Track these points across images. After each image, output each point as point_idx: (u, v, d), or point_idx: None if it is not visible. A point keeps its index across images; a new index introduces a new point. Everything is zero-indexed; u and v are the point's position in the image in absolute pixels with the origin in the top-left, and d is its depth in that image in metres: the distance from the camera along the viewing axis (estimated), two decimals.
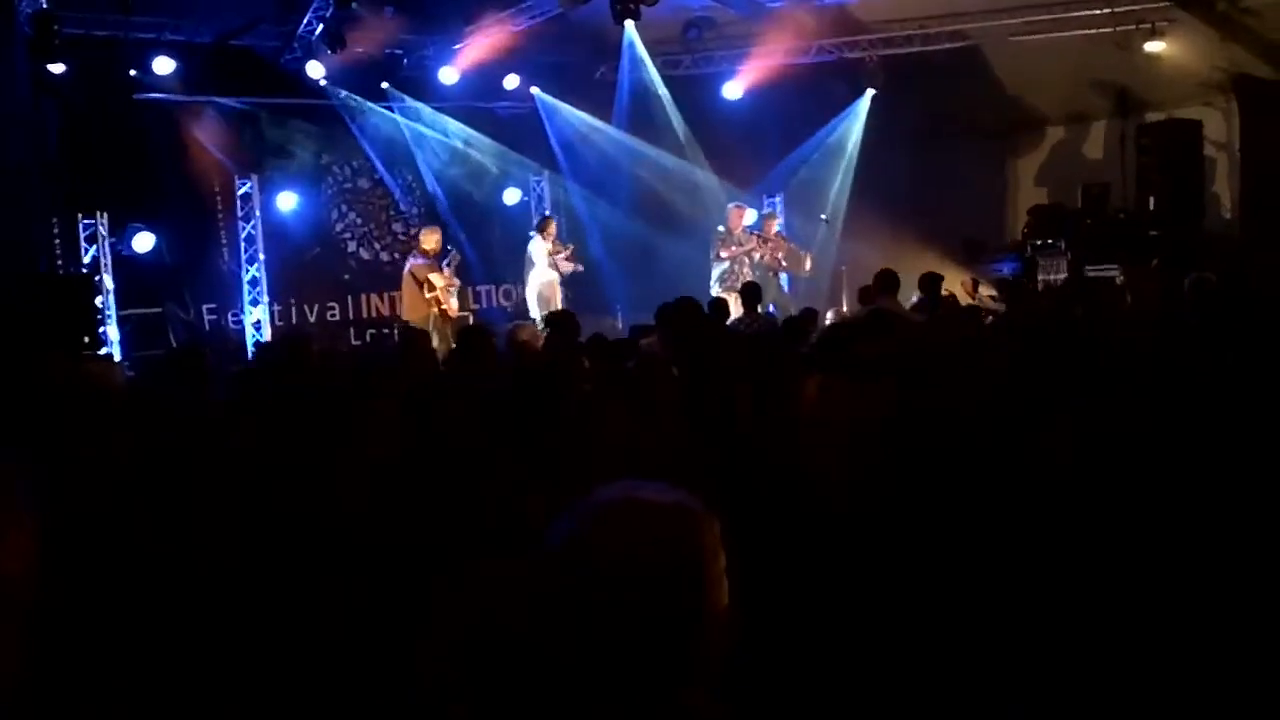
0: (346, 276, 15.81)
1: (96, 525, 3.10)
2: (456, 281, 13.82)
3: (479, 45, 15.05)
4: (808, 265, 15.06)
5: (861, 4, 15.17)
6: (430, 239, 13.71)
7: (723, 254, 14.31)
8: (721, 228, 14.57)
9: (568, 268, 14.66)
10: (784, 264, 14.84)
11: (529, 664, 2.09)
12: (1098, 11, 13.77)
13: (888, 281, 10.61)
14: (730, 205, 14.90)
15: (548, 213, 16.14)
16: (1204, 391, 4.21)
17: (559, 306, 14.35)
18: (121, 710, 2.53)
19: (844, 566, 3.31)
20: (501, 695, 2.64)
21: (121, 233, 13.17)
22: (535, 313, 14.16)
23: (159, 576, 2.88)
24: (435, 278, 13.35)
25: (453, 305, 13.47)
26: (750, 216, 15.32)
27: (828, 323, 10.61)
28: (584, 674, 1.66)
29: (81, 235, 13.00)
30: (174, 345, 13.05)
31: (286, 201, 14.91)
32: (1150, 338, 6.21)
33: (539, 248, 14.56)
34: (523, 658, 2.29)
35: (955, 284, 13.17)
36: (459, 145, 16.33)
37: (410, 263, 13.61)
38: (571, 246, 14.97)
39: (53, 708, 2.43)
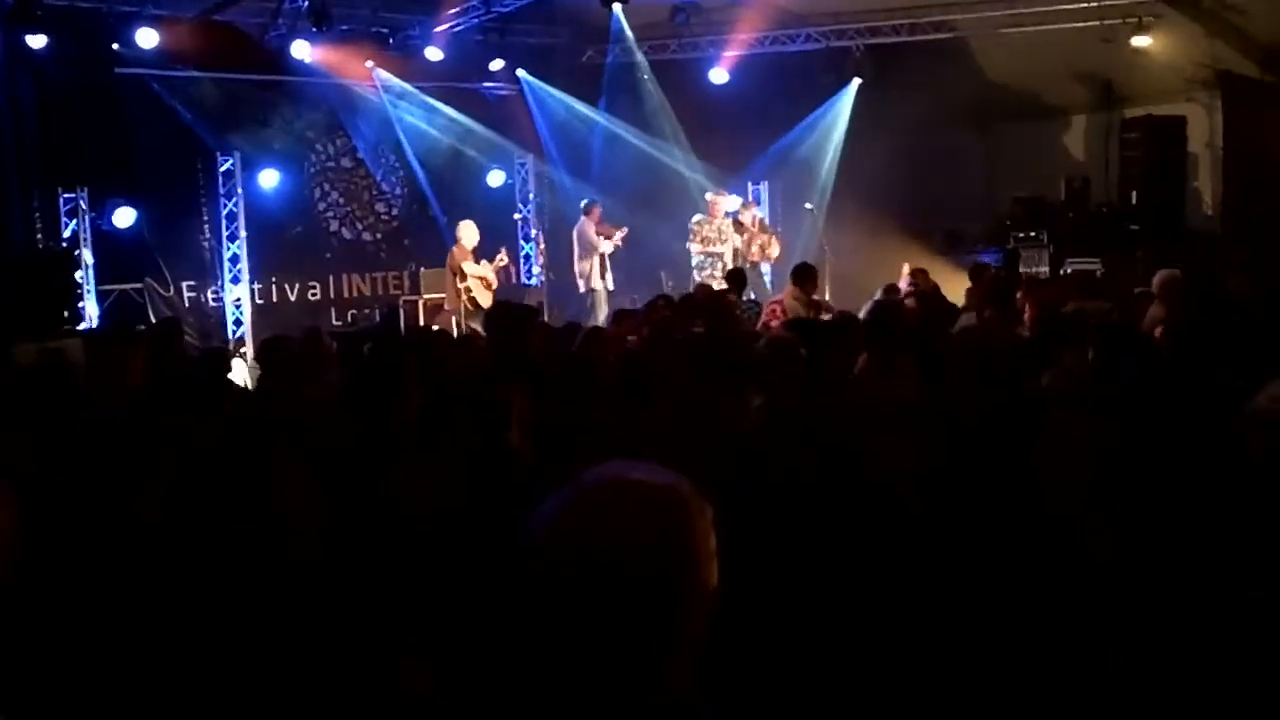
0: (328, 256, 15.72)
1: (80, 504, 3.08)
2: (493, 279, 13.82)
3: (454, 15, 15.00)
4: (774, 253, 15.03)
5: None
6: (463, 230, 13.86)
7: (693, 246, 14.29)
8: (699, 216, 14.56)
9: (607, 247, 14.79)
10: (764, 255, 14.84)
11: (512, 643, 2.08)
12: (1085, 5, 13.80)
13: (800, 273, 10.73)
14: (708, 194, 14.88)
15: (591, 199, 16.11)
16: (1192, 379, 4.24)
17: (597, 287, 14.73)
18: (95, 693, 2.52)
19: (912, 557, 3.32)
20: (487, 675, 2.64)
21: (102, 208, 13.07)
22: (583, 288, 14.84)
23: (141, 558, 2.86)
24: (468, 266, 13.53)
25: (484, 298, 13.50)
26: (733, 203, 15.32)
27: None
28: (568, 653, 1.65)
29: (62, 210, 12.89)
30: (153, 321, 13.00)
31: (268, 179, 14.80)
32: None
33: (584, 230, 14.88)
34: (507, 636, 2.28)
35: (937, 276, 13.19)
36: (443, 126, 16.24)
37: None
38: (625, 229, 15.02)
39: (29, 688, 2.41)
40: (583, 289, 14.86)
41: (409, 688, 2.68)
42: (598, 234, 14.73)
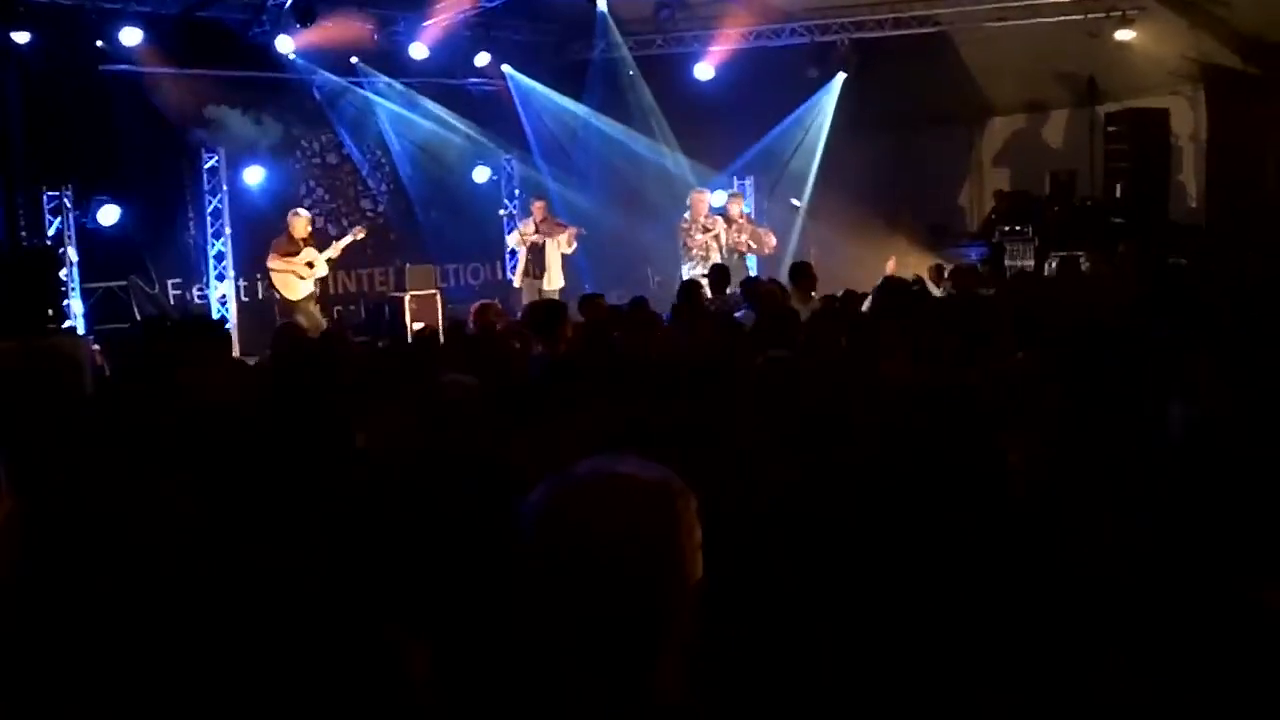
0: None
1: (70, 506, 3.07)
2: (318, 266, 13.32)
3: (445, 13, 14.97)
4: (771, 242, 14.94)
5: None
6: (290, 220, 13.43)
7: (689, 244, 14.22)
8: (686, 214, 14.48)
9: (567, 247, 14.47)
10: (750, 246, 14.79)
11: (507, 636, 2.09)
12: None
13: (794, 272, 10.74)
14: (692, 191, 14.80)
15: (531, 194, 15.98)
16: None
17: (518, 285, 14.58)
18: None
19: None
20: (482, 667, 2.65)
21: (86, 205, 13.01)
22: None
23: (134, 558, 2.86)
24: (270, 262, 13.18)
25: (295, 290, 13.18)
26: (719, 198, 15.31)
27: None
28: (558, 647, 1.66)
29: (46, 207, 12.83)
30: (138, 320, 12.96)
31: (253, 176, 14.74)
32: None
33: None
34: (501, 629, 2.29)
35: (922, 269, 13.26)
36: (429, 122, 16.23)
37: None
38: (563, 224, 14.68)
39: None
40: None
41: (410, 677, 2.69)
42: (539, 231, 14.39)
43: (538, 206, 14.74)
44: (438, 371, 4.80)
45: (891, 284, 8.65)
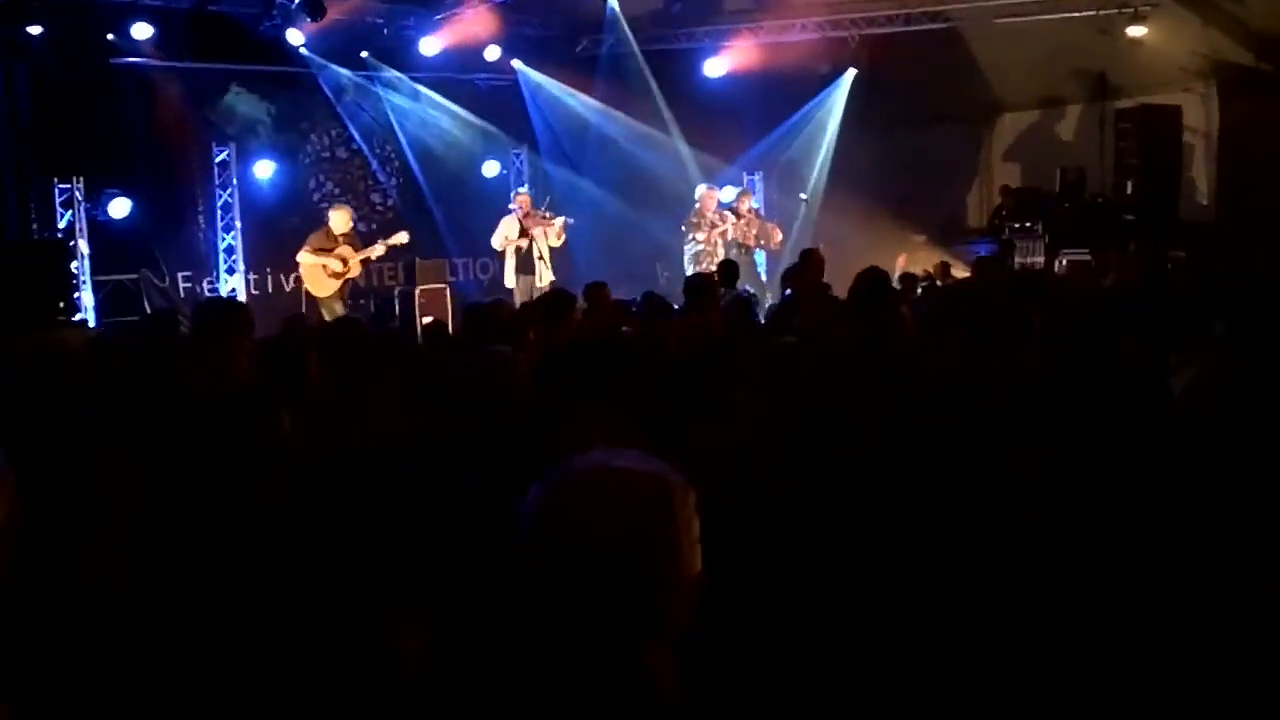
0: None
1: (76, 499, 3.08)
2: (351, 264, 13.02)
3: (463, 22, 14.98)
4: (778, 238, 14.92)
5: None
6: (330, 215, 13.19)
7: (698, 236, 14.20)
8: (696, 205, 14.48)
9: (551, 240, 14.04)
10: (758, 241, 14.79)
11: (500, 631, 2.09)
12: None
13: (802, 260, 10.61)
14: (701, 187, 14.79)
15: (532, 188, 15.93)
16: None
17: (509, 285, 14.09)
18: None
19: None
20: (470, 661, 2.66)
21: (97, 198, 13.09)
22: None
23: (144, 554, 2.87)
24: (301, 255, 12.93)
25: (323, 287, 12.93)
26: (728, 193, 15.29)
27: None
28: (553, 638, 1.67)
29: (57, 200, 12.91)
30: (149, 312, 13.00)
31: (263, 170, 14.82)
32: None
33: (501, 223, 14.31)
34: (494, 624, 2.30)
35: (930, 265, 13.25)
36: (438, 116, 16.24)
37: None
38: (549, 215, 14.20)
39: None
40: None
41: (409, 675, 2.70)
42: (523, 227, 13.92)
43: (522, 199, 14.27)
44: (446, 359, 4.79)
45: (866, 276, 8.60)
